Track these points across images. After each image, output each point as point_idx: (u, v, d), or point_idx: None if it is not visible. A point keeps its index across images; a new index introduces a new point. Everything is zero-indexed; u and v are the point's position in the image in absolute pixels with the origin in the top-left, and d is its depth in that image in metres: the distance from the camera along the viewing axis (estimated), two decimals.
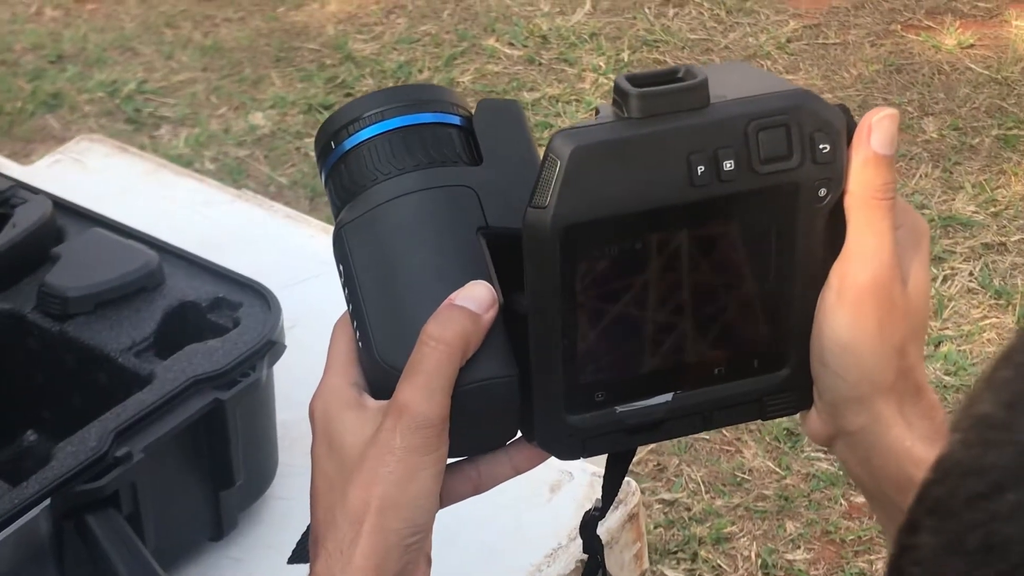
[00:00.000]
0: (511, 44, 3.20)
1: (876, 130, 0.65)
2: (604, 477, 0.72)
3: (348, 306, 0.68)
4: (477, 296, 0.65)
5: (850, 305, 0.66)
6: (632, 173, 0.64)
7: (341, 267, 0.68)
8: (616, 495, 0.73)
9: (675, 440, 2.18)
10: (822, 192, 0.66)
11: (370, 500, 0.63)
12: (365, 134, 0.69)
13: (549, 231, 0.63)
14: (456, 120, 0.71)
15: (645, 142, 0.64)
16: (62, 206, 1.12)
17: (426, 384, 0.63)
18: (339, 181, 0.70)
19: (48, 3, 3.45)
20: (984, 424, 0.40)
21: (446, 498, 0.67)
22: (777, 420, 2.23)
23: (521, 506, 1.07)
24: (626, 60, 3.13)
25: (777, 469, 2.20)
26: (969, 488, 0.39)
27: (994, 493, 0.38)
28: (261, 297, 1.03)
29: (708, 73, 0.65)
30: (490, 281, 0.66)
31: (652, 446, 2.22)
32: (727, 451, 2.24)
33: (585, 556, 0.76)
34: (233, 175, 2.81)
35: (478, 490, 0.70)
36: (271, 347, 0.99)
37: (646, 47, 3.18)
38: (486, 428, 0.68)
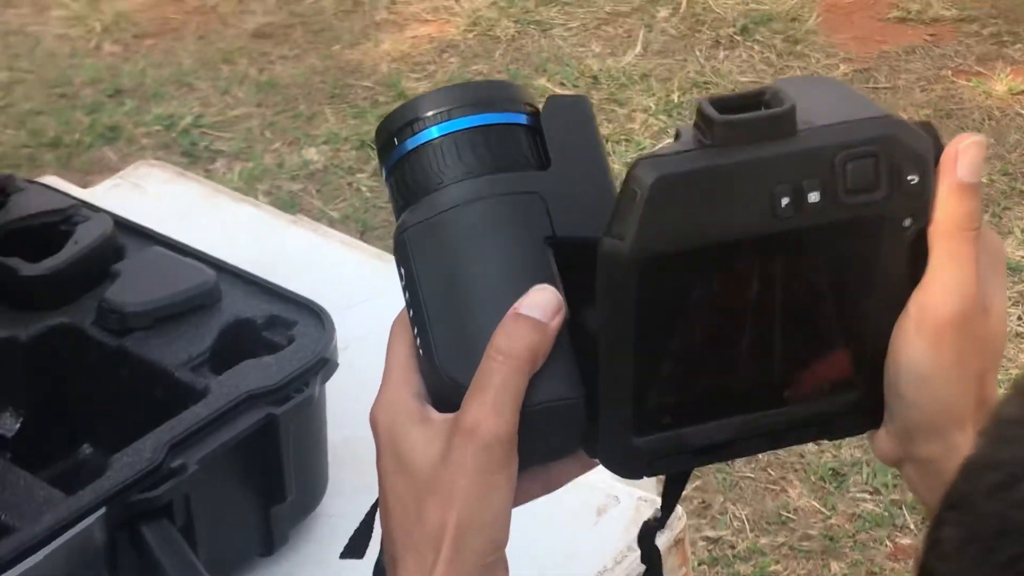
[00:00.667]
0: (562, 84, 3.23)
1: (963, 157, 0.64)
2: (664, 487, 0.72)
3: (408, 311, 0.67)
4: (542, 303, 0.64)
5: (930, 337, 0.65)
6: (714, 204, 0.62)
7: (402, 270, 0.67)
8: (676, 505, 0.73)
9: (720, 478, 2.19)
10: (907, 222, 0.65)
11: (447, 522, 0.63)
12: (429, 134, 0.67)
13: (627, 263, 0.62)
14: (523, 119, 0.69)
15: (727, 172, 0.62)
16: (123, 225, 1.14)
17: (495, 401, 0.62)
18: (401, 180, 0.68)
19: (107, 39, 3.50)
20: (1004, 423, 0.42)
21: (517, 499, 0.66)
22: (823, 460, 2.24)
23: (569, 529, 1.08)
24: (676, 101, 3.14)
25: (822, 509, 2.19)
26: (987, 481, 0.41)
27: (1010, 484, 0.40)
28: (315, 316, 1.04)
29: (797, 96, 0.63)
30: (559, 291, 0.65)
31: (696, 483, 2.22)
32: (772, 490, 2.23)
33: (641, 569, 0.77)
34: (286, 208, 2.83)
35: (548, 489, 0.69)
36: (324, 364, 1.01)
37: (696, 88, 3.19)
38: (553, 444, 0.67)
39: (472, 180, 0.67)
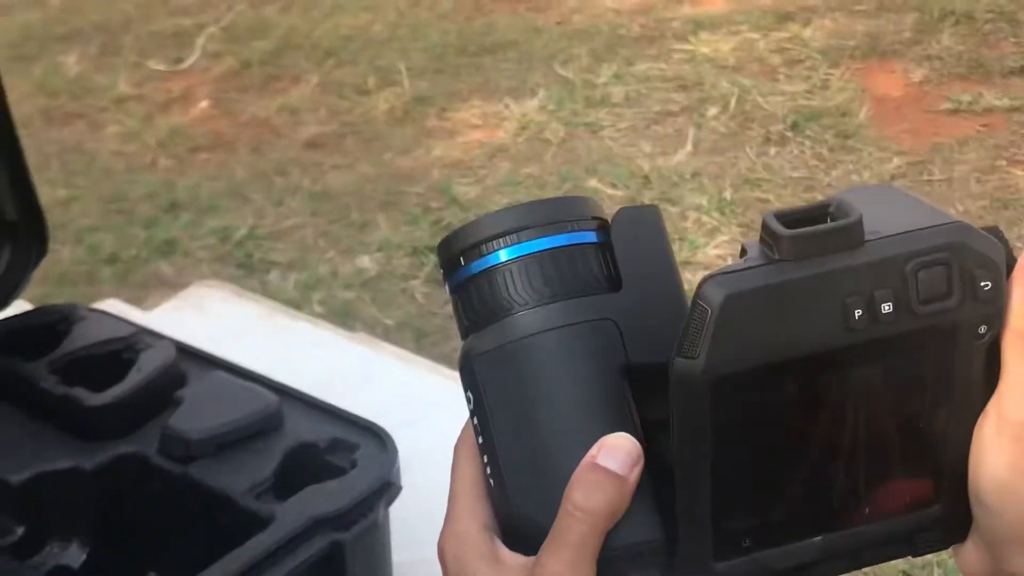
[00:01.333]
0: (613, 185, 3.24)
1: None
2: None
3: (476, 437, 0.66)
4: (621, 455, 0.63)
5: (1009, 443, 0.64)
6: (786, 319, 0.62)
7: (470, 394, 0.66)
8: None
9: None
10: (982, 329, 0.64)
11: None
12: (497, 258, 0.67)
13: (700, 384, 0.61)
14: (593, 237, 0.68)
15: (799, 287, 0.61)
16: (184, 350, 1.14)
17: (572, 558, 0.61)
18: (468, 301, 0.67)
19: (162, 154, 3.55)
20: None
21: None
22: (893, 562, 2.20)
23: None
24: (728, 198, 3.15)
25: None
26: None
27: None
28: (378, 438, 1.04)
29: (862, 207, 0.63)
30: (634, 428, 0.65)
31: None
32: None
33: None
34: (341, 317, 2.85)
35: None
36: (388, 488, 1.00)
37: (748, 185, 3.19)
38: None
39: (543, 308, 0.66)
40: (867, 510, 0.67)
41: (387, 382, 1.35)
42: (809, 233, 0.62)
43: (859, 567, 0.70)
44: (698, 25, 3.88)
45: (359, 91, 3.74)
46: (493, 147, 3.44)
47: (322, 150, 3.51)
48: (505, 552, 0.64)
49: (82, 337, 1.14)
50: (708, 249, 2.99)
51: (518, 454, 0.65)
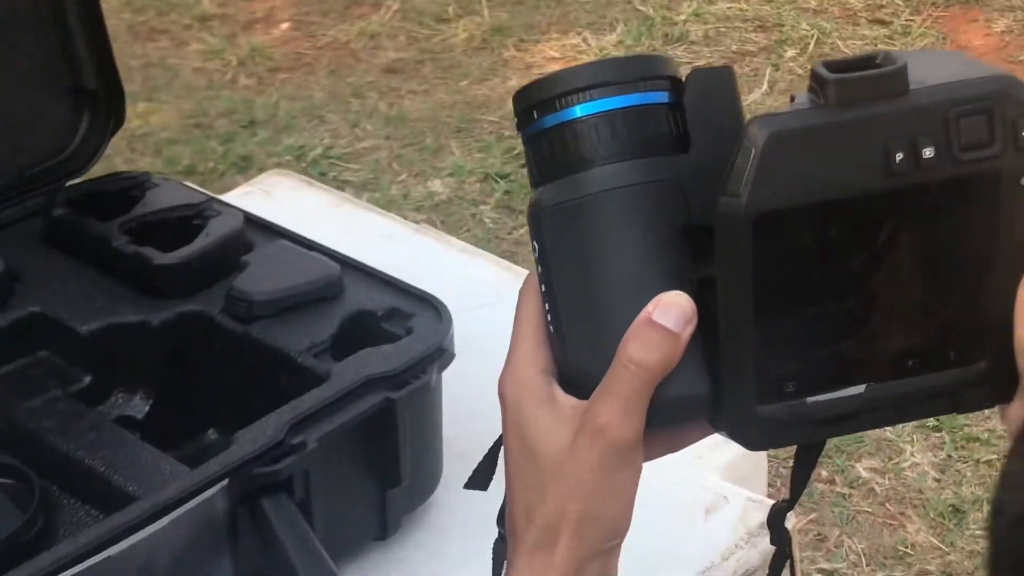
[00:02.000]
0: None
1: None
2: (793, 468, 0.73)
3: (540, 285, 0.68)
4: (675, 312, 0.65)
5: None
6: (828, 160, 0.62)
7: (536, 244, 0.68)
8: (804, 488, 0.73)
9: (837, 512, 2.17)
10: None
11: (567, 513, 0.65)
12: (571, 113, 0.67)
13: (743, 220, 0.62)
14: (665, 98, 0.68)
15: (841, 129, 0.62)
16: (252, 221, 1.18)
17: (624, 408, 0.64)
18: (539, 153, 0.69)
19: (242, 72, 3.60)
20: None
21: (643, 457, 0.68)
22: (943, 497, 2.21)
23: (678, 527, 1.09)
24: None
25: (941, 545, 2.16)
26: None
27: None
28: (433, 308, 1.07)
29: (908, 59, 0.64)
30: (690, 287, 0.66)
31: (812, 515, 2.21)
32: (890, 525, 2.21)
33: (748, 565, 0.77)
34: None
35: (673, 450, 0.70)
36: (441, 354, 1.03)
37: None
38: (678, 428, 0.70)
39: (611, 165, 0.67)
40: (911, 363, 0.68)
41: (451, 272, 1.37)
42: (854, 78, 0.63)
43: (902, 421, 0.71)
44: None
45: (439, 19, 3.75)
46: None
47: (399, 75, 3.53)
48: (561, 395, 0.67)
49: (154, 202, 1.18)
50: None
51: (577, 306, 0.67)
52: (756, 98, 3.31)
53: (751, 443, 0.68)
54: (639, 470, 0.66)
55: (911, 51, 0.70)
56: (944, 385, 0.68)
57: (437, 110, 3.37)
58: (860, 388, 0.68)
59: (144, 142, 3.33)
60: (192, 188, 1.23)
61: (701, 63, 3.47)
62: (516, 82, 3.44)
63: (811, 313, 0.67)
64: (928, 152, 0.63)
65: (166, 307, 1.10)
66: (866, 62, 0.64)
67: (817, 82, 0.63)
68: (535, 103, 0.69)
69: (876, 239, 0.65)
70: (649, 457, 0.68)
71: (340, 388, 0.99)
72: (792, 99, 0.65)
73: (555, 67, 3.49)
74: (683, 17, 3.66)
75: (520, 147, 2.87)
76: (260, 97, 3.48)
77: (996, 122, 0.64)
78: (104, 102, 1.25)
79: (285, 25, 3.83)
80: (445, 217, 2.99)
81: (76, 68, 1.23)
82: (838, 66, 0.63)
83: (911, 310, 0.68)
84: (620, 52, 3.53)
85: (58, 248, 1.16)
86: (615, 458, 0.64)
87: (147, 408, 1.10)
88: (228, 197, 1.50)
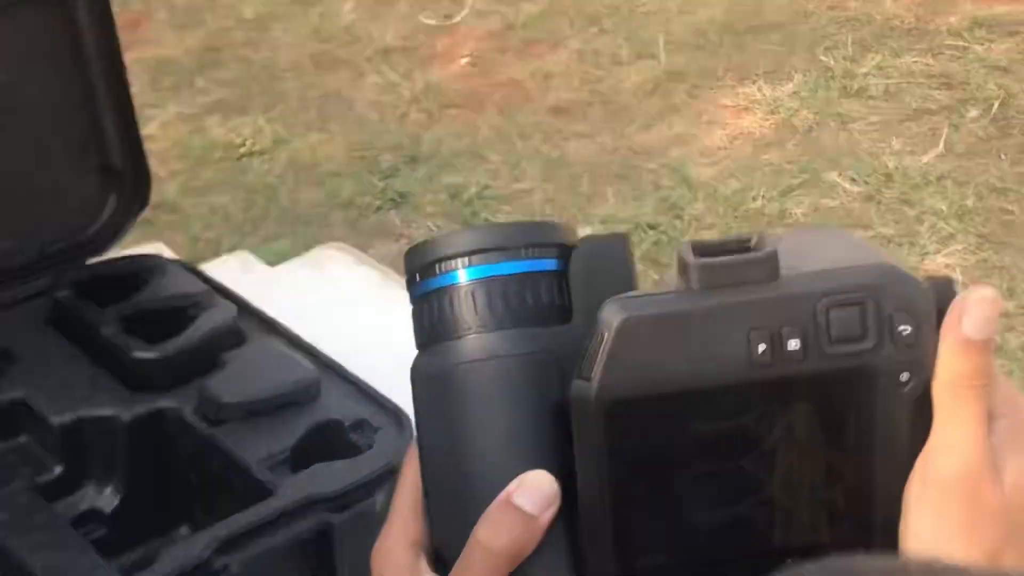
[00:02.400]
0: (852, 180, 3.13)
1: (969, 312, 0.60)
2: None
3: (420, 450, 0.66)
4: (534, 494, 0.60)
5: (933, 503, 0.60)
6: (687, 348, 0.59)
7: (415, 408, 0.65)
8: None
9: None
10: (903, 377, 0.61)
11: None
12: (449, 279, 0.64)
13: (593, 406, 0.59)
14: (551, 266, 0.65)
15: (702, 316, 0.59)
16: (249, 312, 1.17)
17: None
18: (420, 319, 0.65)
19: (414, 107, 3.63)
20: None
21: None
22: None
23: None
24: (970, 206, 3.00)
25: None
26: None
27: None
28: (398, 421, 1.04)
29: (786, 241, 0.61)
30: (560, 467, 0.62)
31: None
32: None
33: None
34: None
35: None
36: (392, 475, 1.00)
37: (994, 194, 3.04)
38: None
39: (488, 335, 0.63)
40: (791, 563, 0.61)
41: None
42: (719, 263, 0.59)
43: None
44: (976, 23, 3.70)
45: (614, 61, 3.72)
46: (737, 129, 3.37)
47: (566, 116, 3.51)
48: (425, 573, 0.63)
49: (156, 289, 1.18)
50: (938, 257, 2.86)
51: (443, 480, 0.63)
52: (929, 159, 3.18)
53: None
54: None
55: (802, 230, 0.65)
56: None
57: (598, 155, 3.34)
58: None
59: (310, 173, 3.38)
60: (197, 274, 1.22)
61: (876, 119, 3.35)
62: (683, 130, 3.38)
63: (672, 509, 0.62)
64: (793, 344, 0.59)
65: (142, 401, 1.09)
66: (738, 244, 0.60)
67: (681, 264, 0.60)
68: (418, 266, 0.65)
69: (741, 435, 0.61)
70: None
71: (279, 507, 0.97)
72: (659, 280, 0.62)
73: (724, 116, 3.42)
74: (865, 70, 3.54)
75: (674, 197, 2.86)
76: (427, 133, 3.50)
77: (870, 315, 0.60)
78: (130, 182, 1.25)
79: (464, 61, 3.85)
80: None
81: (104, 148, 1.24)
82: (705, 249, 0.60)
83: (785, 513, 0.63)
84: (794, 103, 3.44)
85: (58, 330, 1.17)
86: None
87: (116, 501, 1.10)
88: (282, 268, 1.51)
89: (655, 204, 3.11)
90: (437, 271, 0.65)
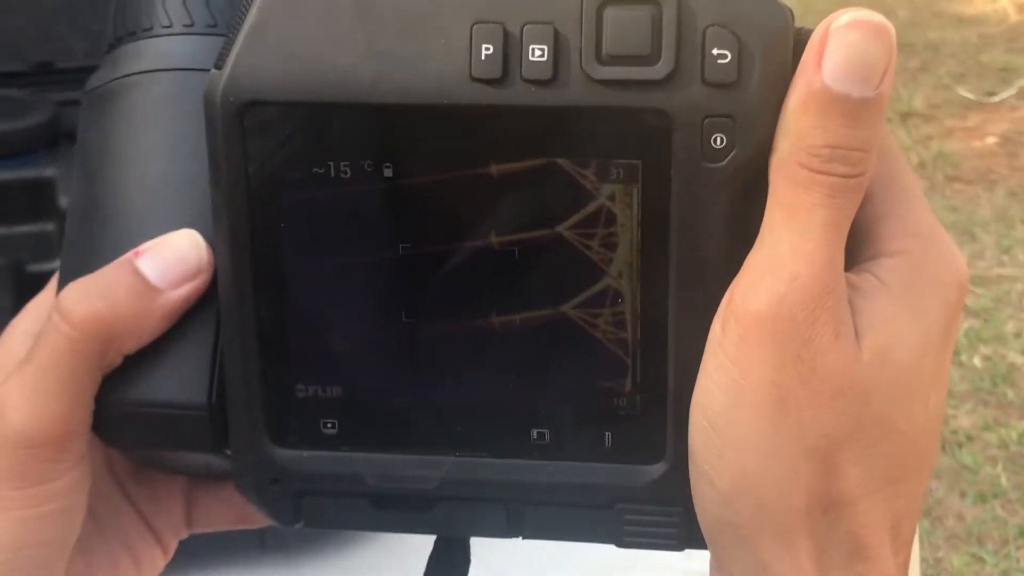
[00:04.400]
0: None
1: (833, 45, 0.36)
2: None
3: None
4: (168, 258, 0.41)
5: (734, 349, 0.37)
6: (371, 36, 0.38)
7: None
8: None
9: None
10: (717, 141, 0.37)
11: None
12: None
13: (220, 106, 0.39)
14: None
15: None
16: None
17: (33, 384, 0.41)
18: (120, 6, 0.47)
19: (920, 173, 3.30)
20: None
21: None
22: None
23: None
24: None
25: None
26: None
27: None
28: None
29: None
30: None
31: None
32: None
33: None
34: (999, 379, 2.46)
35: (187, 529, 0.48)
36: None
37: None
38: (168, 458, 0.45)
39: (186, 37, 0.45)
40: (535, 433, 0.40)
41: None
42: None
43: (522, 534, 0.42)
44: None
45: None
46: None
47: None
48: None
49: None
50: None
51: (78, 232, 0.44)
52: None
53: (268, 506, 0.43)
54: (59, 496, 0.41)
55: None
56: (592, 486, 0.40)
57: None
58: (445, 459, 0.41)
59: None
60: None
61: None
62: None
63: (350, 303, 0.40)
64: (539, 52, 0.37)
65: None
66: None
67: None
68: None
69: (447, 191, 0.38)
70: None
71: None
72: None
73: None
74: None
75: None
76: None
77: (666, 25, 0.37)
78: None
79: (991, 139, 3.48)
80: None
81: None
82: None
83: (529, 335, 0.39)
84: None
85: None
86: (9, 464, 0.41)
87: None
88: None
89: None
90: None
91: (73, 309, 0.41)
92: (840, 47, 0.36)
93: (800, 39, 0.37)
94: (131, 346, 0.41)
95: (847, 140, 0.36)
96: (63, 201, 0.86)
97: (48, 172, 0.90)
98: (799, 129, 0.36)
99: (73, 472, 0.42)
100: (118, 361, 0.42)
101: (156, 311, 0.41)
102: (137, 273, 0.41)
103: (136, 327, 0.41)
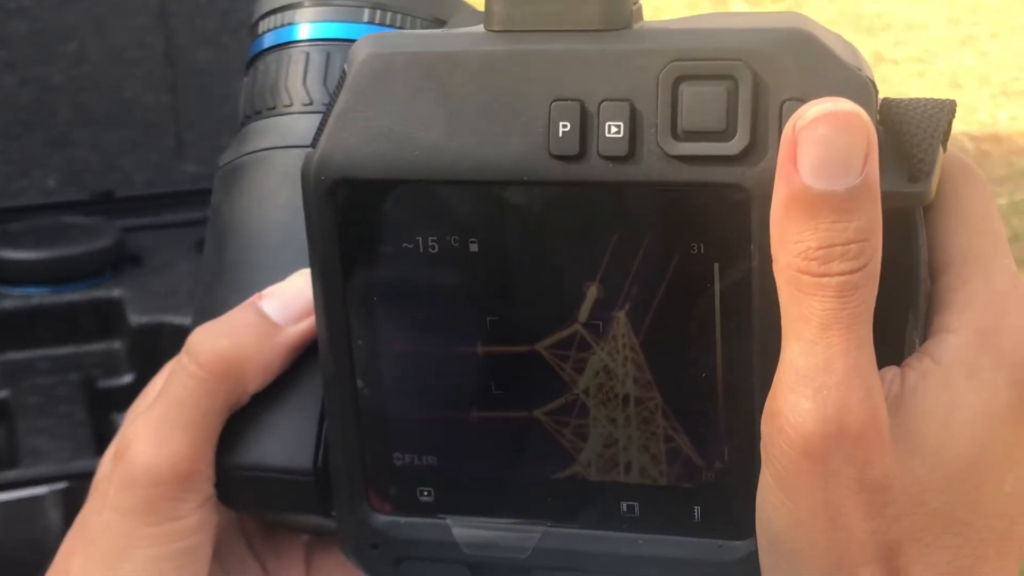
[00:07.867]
0: None
1: (805, 145, 0.35)
2: None
3: None
4: (289, 295, 0.44)
5: (778, 468, 0.37)
6: (452, 113, 0.39)
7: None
8: None
9: None
10: None
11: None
12: (287, 35, 0.50)
13: (313, 183, 0.40)
14: None
15: (482, 64, 0.39)
16: None
17: (161, 422, 0.43)
18: (250, 86, 0.51)
19: None
20: None
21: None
22: None
23: None
24: None
25: None
26: None
27: None
28: None
29: (706, 19, 0.40)
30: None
31: None
32: None
33: None
34: None
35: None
36: None
37: None
38: (285, 516, 0.48)
39: (304, 116, 0.48)
40: (624, 506, 0.41)
41: None
42: None
43: None
44: None
45: None
46: None
47: None
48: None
49: None
50: None
51: (208, 294, 0.48)
52: None
53: (369, 568, 0.44)
54: (182, 536, 0.43)
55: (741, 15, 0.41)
56: (678, 559, 0.41)
57: None
58: (536, 530, 0.42)
59: None
60: None
61: None
62: None
63: (444, 372, 0.42)
64: (615, 128, 0.38)
65: None
66: None
67: None
68: (263, 12, 0.51)
69: (543, 268, 0.40)
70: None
71: None
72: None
73: None
74: None
75: None
76: None
77: (741, 99, 0.37)
78: None
79: None
80: None
81: None
82: None
83: (618, 411, 0.40)
84: None
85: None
86: (133, 497, 0.43)
87: None
88: None
89: None
90: (274, 24, 0.50)
91: (200, 349, 0.43)
92: (812, 145, 0.34)
93: (887, 110, 0.38)
94: (256, 384, 0.43)
95: (842, 236, 0.35)
96: (132, 319, 0.92)
97: (115, 293, 0.96)
98: (790, 235, 0.35)
99: (200, 511, 0.43)
100: (244, 400, 0.43)
101: (278, 347, 0.43)
102: (260, 313, 0.44)
103: (260, 364, 0.43)
